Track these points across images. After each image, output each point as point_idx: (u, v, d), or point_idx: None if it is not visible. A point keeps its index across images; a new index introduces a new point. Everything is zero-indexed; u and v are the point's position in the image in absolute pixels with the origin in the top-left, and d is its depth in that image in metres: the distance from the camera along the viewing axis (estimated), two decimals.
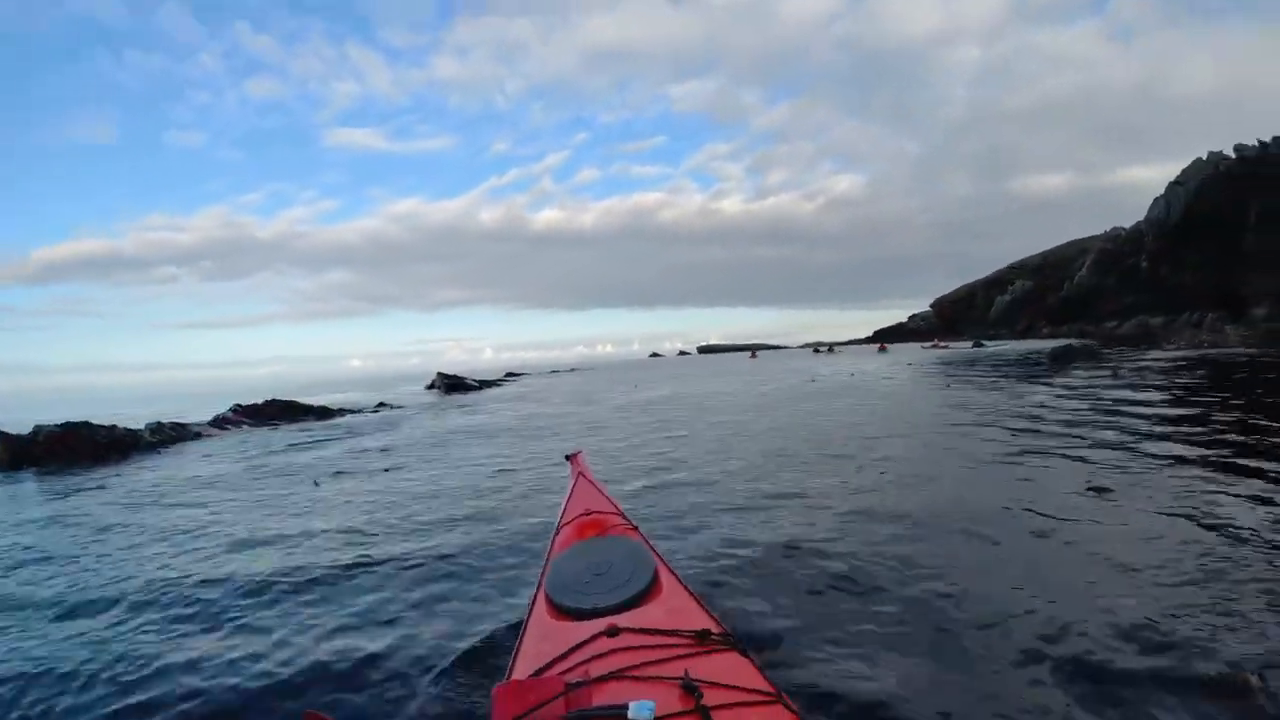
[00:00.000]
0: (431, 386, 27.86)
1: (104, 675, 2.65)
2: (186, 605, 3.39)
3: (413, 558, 3.87)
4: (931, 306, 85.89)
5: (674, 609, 1.96)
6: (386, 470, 7.33)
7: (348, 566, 3.80)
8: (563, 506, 2.98)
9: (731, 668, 1.65)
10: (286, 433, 12.65)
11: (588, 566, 2.22)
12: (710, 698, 1.47)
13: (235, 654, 2.76)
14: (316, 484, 6.71)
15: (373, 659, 2.63)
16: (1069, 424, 7.28)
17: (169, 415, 13.85)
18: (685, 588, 2.13)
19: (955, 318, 76.92)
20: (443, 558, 3.83)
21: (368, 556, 3.96)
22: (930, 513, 4.06)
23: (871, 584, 3.04)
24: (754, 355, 57.44)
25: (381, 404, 19.69)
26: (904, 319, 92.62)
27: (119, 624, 3.22)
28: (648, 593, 2.05)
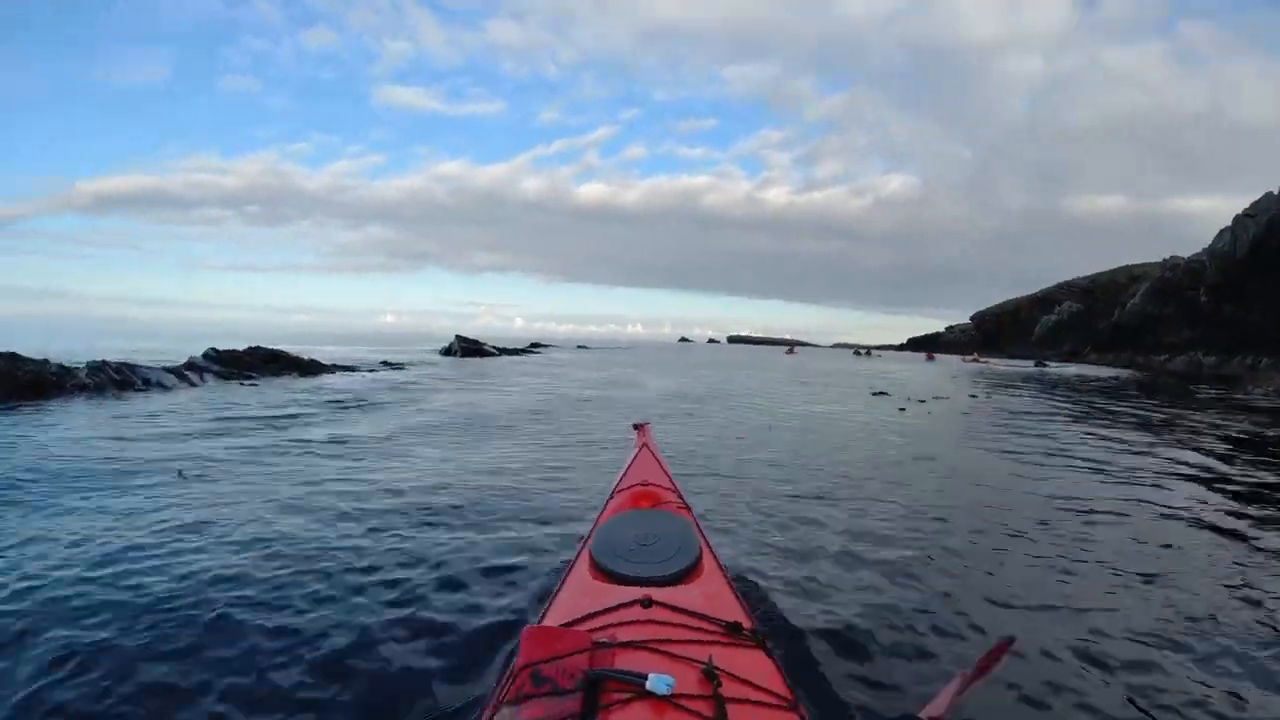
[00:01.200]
0: (449, 351, 27.23)
1: None
2: None
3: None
4: (971, 319, 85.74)
5: (710, 594, 1.96)
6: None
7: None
8: (622, 472, 3.04)
9: (755, 665, 1.65)
10: (249, 392, 11.44)
11: (635, 535, 2.25)
12: (728, 689, 1.47)
13: None
14: (182, 474, 5.17)
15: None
16: None
17: (170, 355, 13.17)
18: (725, 577, 2.14)
19: (996, 332, 76.40)
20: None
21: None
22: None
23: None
24: (792, 351, 56.24)
25: (385, 363, 19.32)
26: (941, 329, 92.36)
27: None
28: (688, 573, 2.06)
